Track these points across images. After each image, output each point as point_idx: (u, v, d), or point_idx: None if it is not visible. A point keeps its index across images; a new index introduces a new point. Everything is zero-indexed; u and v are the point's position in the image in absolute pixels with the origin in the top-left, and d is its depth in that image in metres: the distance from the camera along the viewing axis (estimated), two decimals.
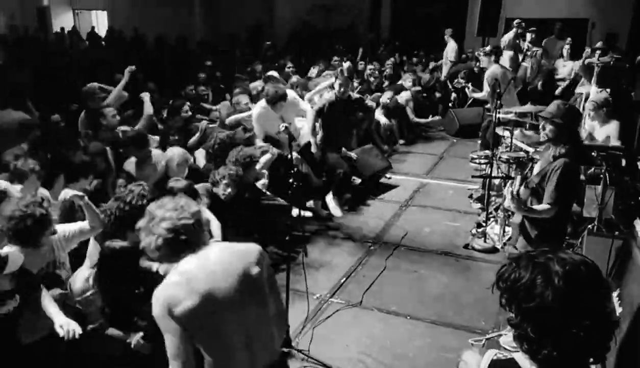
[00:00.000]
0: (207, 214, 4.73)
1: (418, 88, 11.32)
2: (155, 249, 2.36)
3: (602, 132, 6.28)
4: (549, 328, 1.62)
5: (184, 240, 2.35)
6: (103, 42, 16.83)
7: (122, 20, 19.39)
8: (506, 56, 10.11)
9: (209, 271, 2.34)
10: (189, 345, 2.28)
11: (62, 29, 18.85)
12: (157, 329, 2.32)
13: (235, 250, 2.51)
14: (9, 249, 3.24)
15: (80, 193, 3.85)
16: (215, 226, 4.76)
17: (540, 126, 4.15)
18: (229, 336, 2.35)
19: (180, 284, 2.28)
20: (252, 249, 2.52)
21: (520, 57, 10.33)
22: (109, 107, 6.48)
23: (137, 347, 3.55)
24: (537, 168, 4.22)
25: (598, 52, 9.49)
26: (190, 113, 7.29)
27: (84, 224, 3.85)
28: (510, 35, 10.29)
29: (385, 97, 10.08)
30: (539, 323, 1.63)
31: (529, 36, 10.86)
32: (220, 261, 2.40)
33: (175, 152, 5.72)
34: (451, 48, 12.57)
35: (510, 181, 6.11)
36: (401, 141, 10.52)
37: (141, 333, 3.58)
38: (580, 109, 7.52)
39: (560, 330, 1.61)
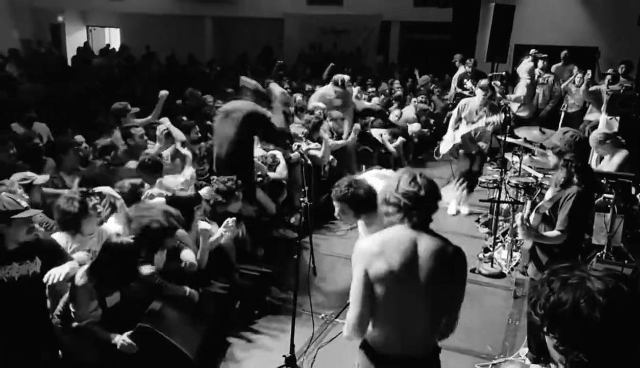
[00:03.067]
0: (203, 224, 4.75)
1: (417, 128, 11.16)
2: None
3: (613, 163, 6.24)
4: (603, 351, 1.54)
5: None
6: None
7: (135, 38, 19.66)
8: (523, 84, 10.19)
9: None
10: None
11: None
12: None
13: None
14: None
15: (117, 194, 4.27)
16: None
17: (549, 155, 4.14)
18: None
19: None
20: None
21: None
22: (137, 128, 6.57)
23: (123, 347, 3.54)
24: (549, 194, 4.19)
25: (608, 78, 9.50)
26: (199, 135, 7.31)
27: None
28: (528, 64, 10.41)
29: (393, 115, 10.09)
30: (591, 348, 1.54)
31: (540, 63, 10.95)
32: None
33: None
34: (459, 74, 12.64)
35: (520, 207, 6.12)
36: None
37: (127, 334, 3.57)
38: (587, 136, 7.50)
39: (615, 351, 1.53)
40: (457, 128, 8.14)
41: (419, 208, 2.56)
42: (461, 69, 12.37)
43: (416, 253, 2.50)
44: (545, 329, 1.63)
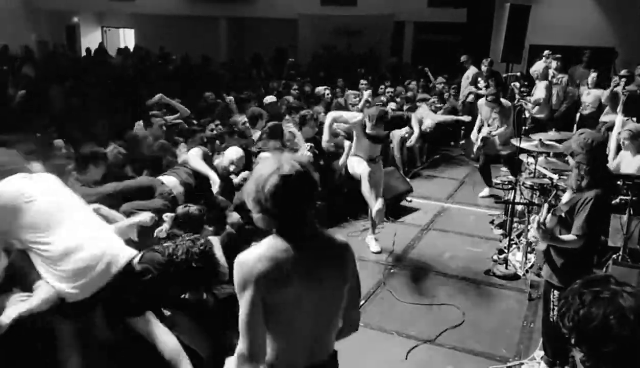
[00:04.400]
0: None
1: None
2: None
3: (634, 163, 6.18)
4: None
5: None
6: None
7: (149, 39, 19.79)
8: (541, 86, 10.13)
9: None
10: None
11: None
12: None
13: None
14: None
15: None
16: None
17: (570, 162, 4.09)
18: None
19: None
20: None
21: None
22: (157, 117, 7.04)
23: None
24: (566, 196, 4.14)
25: (623, 79, 9.43)
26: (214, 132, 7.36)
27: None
28: (541, 65, 10.36)
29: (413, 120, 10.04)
30: (619, 365, 1.51)
31: (554, 64, 10.88)
32: None
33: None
34: (470, 73, 12.59)
35: (534, 209, 6.08)
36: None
37: None
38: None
39: None
40: (479, 130, 8.52)
41: (288, 213, 2.28)
42: (472, 70, 12.31)
43: (304, 262, 2.28)
44: (572, 342, 1.60)
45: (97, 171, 5.08)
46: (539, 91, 10.14)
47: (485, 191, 8.73)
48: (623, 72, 9.87)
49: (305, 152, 6.82)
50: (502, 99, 8.63)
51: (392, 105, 9.61)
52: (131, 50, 18.08)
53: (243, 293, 2.23)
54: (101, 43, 20.25)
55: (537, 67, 10.45)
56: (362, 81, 11.79)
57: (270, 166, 2.25)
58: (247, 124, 7.61)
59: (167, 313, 3.83)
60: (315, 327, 2.38)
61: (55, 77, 11.31)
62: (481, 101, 8.89)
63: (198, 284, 3.95)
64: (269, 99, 9.38)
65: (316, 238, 2.39)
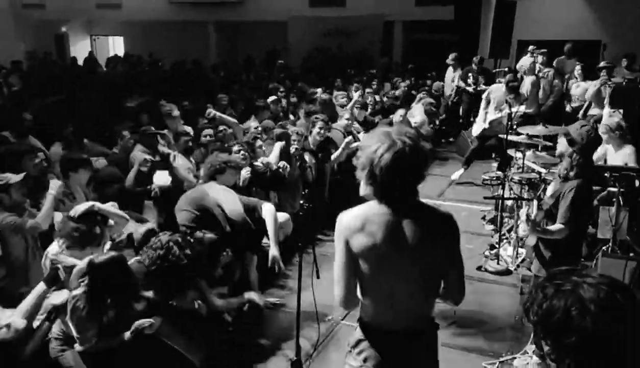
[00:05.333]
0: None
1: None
2: None
3: (618, 157, 6.22)
4: (594, 362, 1.51)
5: None
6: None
7: (138, 46, 19.75)
8: (528, 81, 10.18)
9: None
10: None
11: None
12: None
13: None
14: None
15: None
16: None
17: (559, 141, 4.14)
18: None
19: None
20: None
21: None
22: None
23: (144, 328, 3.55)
24: (550, 189, 4.20)
25: (603, 71, 9.47)
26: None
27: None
28: (527, 61, 10.43)
29: (398, 115, 10.03)
30: (582, 358, 1.52)
31: (540, 58, 10.93)
32: None
33: None
34: (455, 75, 12.64)
35: (524, 203, 6.10)
36: None
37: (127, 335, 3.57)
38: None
39: (606, 361, 1.50)
40: (486, 113, 8.55)
41: (399, 183, 2.40)
42: (457, 72, 12.33)
43: (399, 228, 2.40)
44: (540, 335, 1.61)
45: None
46: (527, 86, 10.20)
47: (458, 173, 9.03)
48: (602, 64, 9.87)
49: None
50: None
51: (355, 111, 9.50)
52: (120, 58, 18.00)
53: (337, 245, 2.48)
54: (91, 52, 20.20)
55: (524, 62, 10.53)
56: (355, 84, 11.77)
57: (382, 141, 2.37)
58: (260, 130, 7.51)
59: (159, 322, 3.81)
60: (408, 292, 2.48)
61: (45, 87, 11.28)
62: (495, 86, 8.96)
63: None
64: (273, 98, 9.40)
65: (419, 209, 2.50)
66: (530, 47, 11.12)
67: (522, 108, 9.81)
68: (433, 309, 2.65)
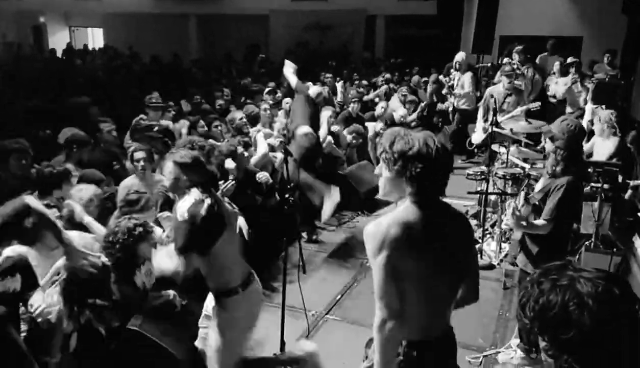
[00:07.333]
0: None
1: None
2: None
3: (604, 148, 6.27)
4: (593, 356, 1.49)
5: None
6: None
7: (118, 38, 19.52)
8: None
9: None
10: None
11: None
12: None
13: None
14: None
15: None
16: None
17: (547, 147, 4.12)
18: None
19: None
20: None
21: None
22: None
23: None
24: (539, 184, 4.19)
25: (573, 66, 9.50)
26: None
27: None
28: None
29: (379, 107, 10.01)
30: (581, 353, 1.49)
31: (516, 56, 10.87)
32: None
33: None
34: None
35: (507, 198, 6.12)
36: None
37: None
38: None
39: (605, 356, 1.48)
40: (486, 120, 8.30)
41: (437, 182, 2.37)
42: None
43: (440, 233, 2.35)
44: (535, 330, 1.58)
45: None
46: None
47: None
48: (570, 60, 9.87)
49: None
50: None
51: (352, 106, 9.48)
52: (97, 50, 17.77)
53: (376, 259, 2.29)
54: (69, 43, 19.91)
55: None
56: (327, 74, 11.71)
57: (413, 139, 2.31)
58: (245, 121, 7.47)
59: (138, 321, 3.75)
60: (448, 299, 2.46)
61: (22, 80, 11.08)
62: (493, 88, 8.76)
63: None
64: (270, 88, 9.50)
65: (447, 209, 2.46)
66: (506, 60, 10.88)
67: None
68: None
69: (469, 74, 10.34)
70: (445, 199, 2.49)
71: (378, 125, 9.55)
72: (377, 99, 11.17)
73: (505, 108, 8.30)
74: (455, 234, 2.42)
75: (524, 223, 3.99)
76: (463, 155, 10.16)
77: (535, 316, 1.56)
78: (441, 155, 2.31)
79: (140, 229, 3.77)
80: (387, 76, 12.71)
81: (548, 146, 4.08)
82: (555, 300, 1.52)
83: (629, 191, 5.89)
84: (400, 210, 2.36)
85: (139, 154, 5.27)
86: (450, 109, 10.87)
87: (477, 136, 8.57)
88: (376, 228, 2.32)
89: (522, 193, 4.15)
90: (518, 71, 9.89)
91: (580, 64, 9.92)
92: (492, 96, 7.97)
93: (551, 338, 1.54)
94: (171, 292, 4.06)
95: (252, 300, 3.42)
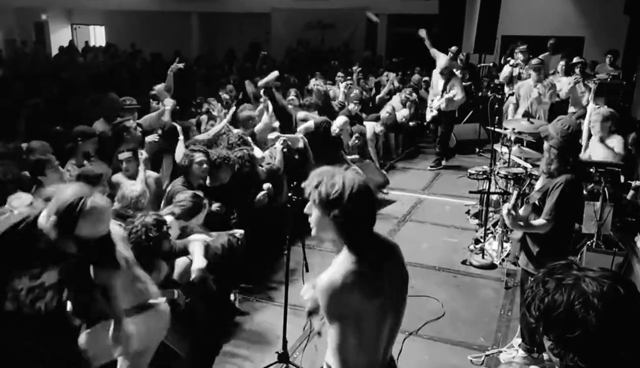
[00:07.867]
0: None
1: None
2: None
3: (605, 146, 6.27)
4: (599, 355, 1.50)
5: None
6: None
7: (120, 36, 19.53)
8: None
9: None
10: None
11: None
12: None
13: None
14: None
15: None
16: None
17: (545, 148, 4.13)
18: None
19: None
20: None
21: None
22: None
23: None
24: (538, 184, 4.21)
25: (578, 67, 9.50)
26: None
27: None
28: (507, 70, 10.40)
29: (384, 111, 10.05)
30: (586, 352, 1.50)
31: (520, 56, 10.87)
32: None
33: None
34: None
35: (508, 198, 6.13)
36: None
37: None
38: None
39: (611, 355, 1.49)
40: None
41: (367, 222, 2.37)
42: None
43: (382, 274, 2.33)
44: (540, 329, 1.59)
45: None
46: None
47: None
48: (576, 60, 9.87)
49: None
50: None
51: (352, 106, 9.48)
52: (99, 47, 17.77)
53: (336, 320, 2.23)
54: (71, 41, 19.90)
55: (505, 73, 10.51)
56: (339, 74, 11.72)
57: (342, 182, 2.27)
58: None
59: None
60: (394, 332, 2.45)
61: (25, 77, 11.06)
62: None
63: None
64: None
65: (380, 245, 2.45)
66: (512, 61, 10.85)
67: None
68: None
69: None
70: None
71: (378, 127, 9.60)
72: (386, 96, 11.19)
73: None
74: (392, 271, 2.41)
75: (521, 223, 4.01)
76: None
77: (541, 316, 1.57)
78: (365, 199, 2.30)
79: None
80: (392, 75, 12.70)
81: (545, 145, 4.10)
82: (561, 299, 1.52)
83: (631, 192, 5.89)
84: (340, 262, 2.30)
85: (124, 155, 5.46)
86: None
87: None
88: (331, 285, 2.23)
89: (515, 193, 4.15)
90: (522, 70, 9.94)
91: (585, 65, 9.92)
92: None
93: (557, 338, 1.54)
94: (175, 291, 4.08)
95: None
